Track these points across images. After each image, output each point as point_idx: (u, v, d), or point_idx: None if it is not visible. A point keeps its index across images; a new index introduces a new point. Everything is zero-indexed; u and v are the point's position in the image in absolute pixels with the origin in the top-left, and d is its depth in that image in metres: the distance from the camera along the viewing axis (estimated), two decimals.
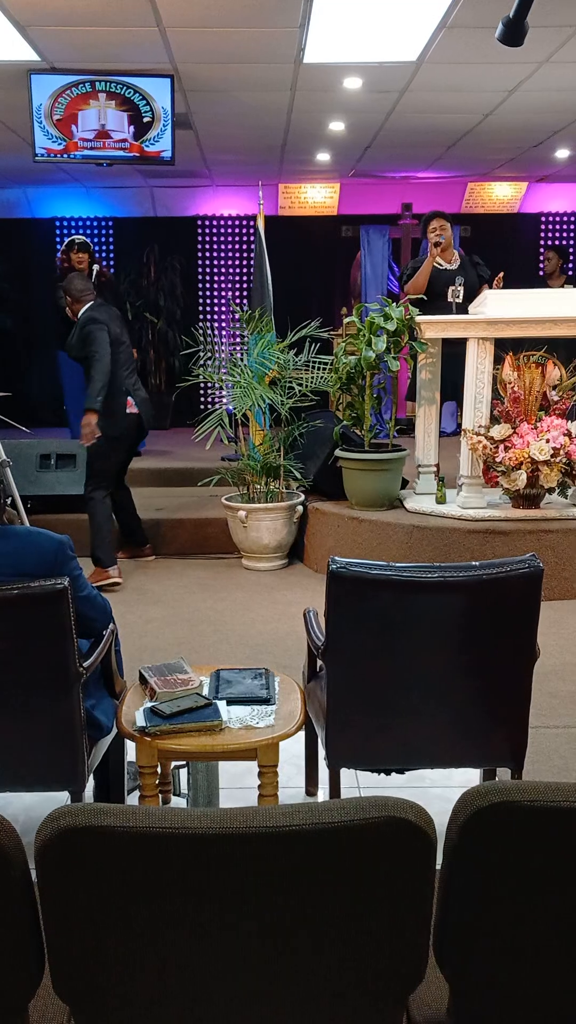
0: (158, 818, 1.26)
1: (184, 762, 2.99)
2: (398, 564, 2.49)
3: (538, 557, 2.49)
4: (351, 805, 1.28)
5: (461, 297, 5.92)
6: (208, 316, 10.46)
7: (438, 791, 3.07)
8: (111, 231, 10.32)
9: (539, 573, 2.45)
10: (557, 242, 10.43)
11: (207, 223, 10.34)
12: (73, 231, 10.18)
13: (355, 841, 1.28)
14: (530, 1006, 1.45)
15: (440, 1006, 1.54)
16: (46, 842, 1.26)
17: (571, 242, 10.54)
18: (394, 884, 1.32)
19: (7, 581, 2.34)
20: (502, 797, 1.31)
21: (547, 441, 5.00)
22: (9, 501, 5.35)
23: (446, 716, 2.56)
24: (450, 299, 5.94)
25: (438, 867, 1.37)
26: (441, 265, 6.16)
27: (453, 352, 5.49)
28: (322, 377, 5.87)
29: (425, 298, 6.09)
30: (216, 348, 6.30)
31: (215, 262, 10.44)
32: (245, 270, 10.32)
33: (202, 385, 9.92)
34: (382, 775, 2.83)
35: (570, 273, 9.76)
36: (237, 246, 10.39)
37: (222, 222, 10.33)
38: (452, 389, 5.66)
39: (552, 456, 5.00)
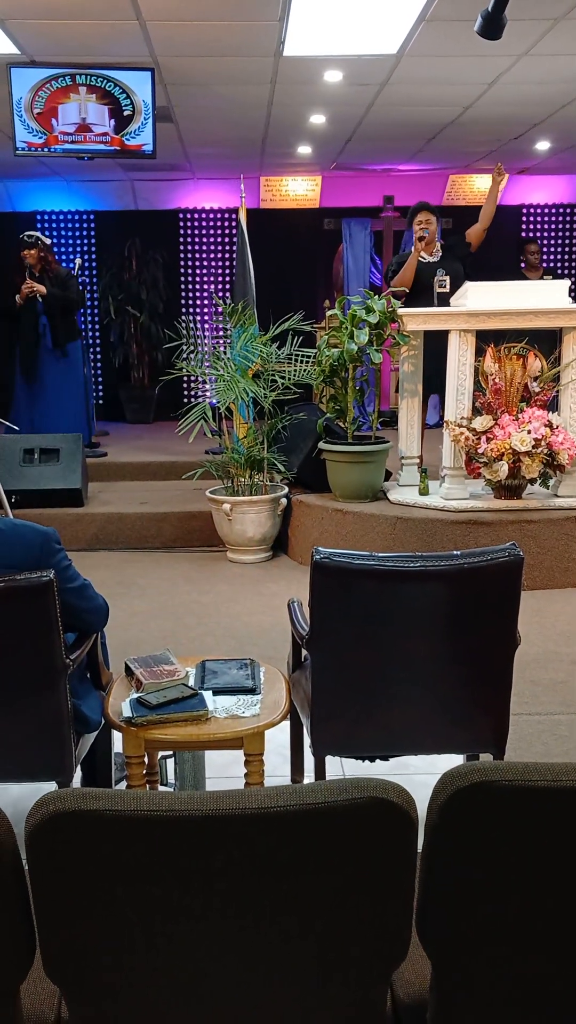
0: (145, 802, 1.29)
1: (171, 752, 3.02)
2: (381, 554, 2.52)
3: (518, 546, 2.53)
4: (334, 787, 1.31)
5: (448, 286, 5.93)
6: (191, 310, 10.45)
7: (422, 778, 3.10)
8: (92, 225, 10.30)
9: (519, 562, 2.48)
10: (537, 234, 10.48)
11: (189, 216, 10.33)
12: (54, 225, 10.16)
13: (338, 822, 1.30)
14: (512, 982, 1.49)
15: (423, 983, 1.57)
16: (36, 826, 1.28)
17: (552, 234, 10.60)
18: (377, 864, 1.35)
19: None
20: (481, 777, 1.34)
21: (528, 432, 5.04)
22: None
23: (429, 703, 2.59)
24: (437, 289, 5.95)
25: (420, 848, 1.41)
26: (424, 259, 6.19)
27: (438, 346, 5.52)
28: (305, 370, 5.89)
29: (407, 290, 6.11)
30: (199, 341, 6.31)
31: (197, 255, 10.43)
32: (227, 263, 10.32)
33: (185, 379, 9.91)
34: (367, 762, 2.87)
35: (546, 265, 9.81)
36: (219, 239, 10.39)
37: (204, 215, 10.33)
38: (438, 382, 5.70)
39: (533, 447, 5.05)
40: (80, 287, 7.91)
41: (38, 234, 7.60)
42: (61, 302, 7.40)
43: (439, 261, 6.19)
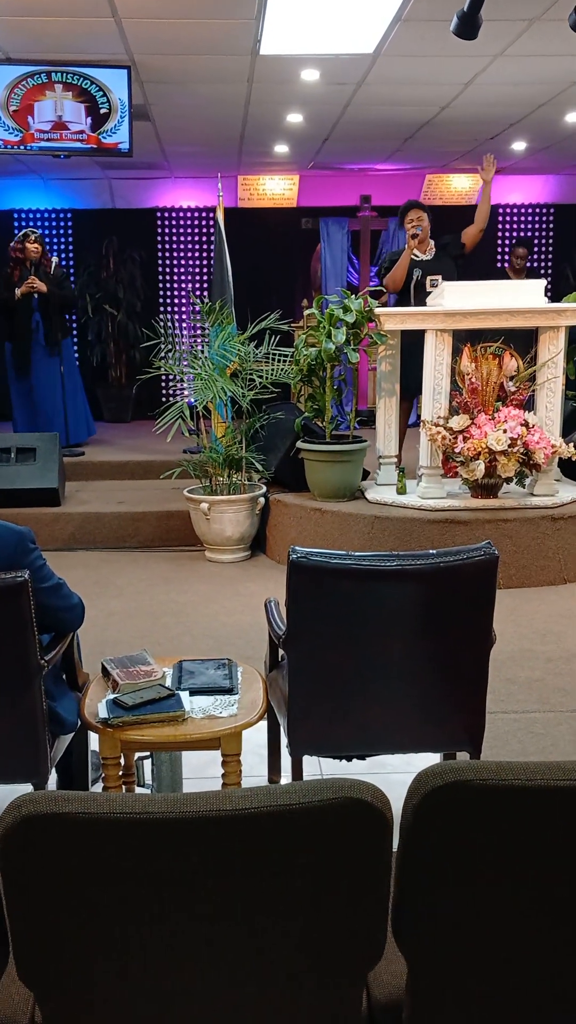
0: (119, 804, 1.28)
1: (148, 753, 3.01)
2: (357, 553, 2.53)
3: (493, 545, 2.54)
4: (308, 787, 1.31)
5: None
6: (168, 308, 10.43)
7: (399, 777, 3.11)
8: (70, 223, 10.25)
9: (494, 560, 2.49)
10: (520, 234, 10.51)
11: (166, 215, 10.30)
12: (31, 223, 10.09)
13: (313, 822, 1.30)
14: (486, 981, 1.49)
15: (399, 983, 1.57)
16: (8, 829, 1.28)
17: (528, 234, 10.64)
18: (352, 864, 1.35)
19: None
20: (456, 776, 1.35)
21: (504, 431, 5.07)
22: None
23: (406, 702, 2.60)
24: (429, 288, 5.95)
25: (396, 848, 1.41)
26: (418, 256, 6.18)
27: (423, 347, 5.49)
28: (283, 369, 5.89)
29: (386, 290, 6.11)
30: (177, 340, 6.30)
31: (175, 254, 10.40)
32: (205, 262, 10.30)
33: (163, 377, 9.87)
34: (344, 761, 2.87)
35: (529, 265, 9.85)
36: (197, 238, 10.37)
37: (181, 214, 10.30)
38: (418, 384, 5.67)
39: (510, 446, 5.07)
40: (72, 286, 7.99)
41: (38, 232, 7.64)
42: (59, 300, 7.39)
43: (432, 260, 6.18)
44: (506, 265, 9.08)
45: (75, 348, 8.76)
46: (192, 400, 5.98)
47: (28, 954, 1.39)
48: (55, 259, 7.84)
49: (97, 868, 1.32)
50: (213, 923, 1.35)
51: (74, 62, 5.75)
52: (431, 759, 3.07)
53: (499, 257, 10.46)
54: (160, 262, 10.38)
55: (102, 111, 5.98)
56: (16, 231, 10.05)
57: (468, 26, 4.17)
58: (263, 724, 2.83)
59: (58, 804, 1.28)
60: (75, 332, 9.96)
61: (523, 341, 5.55)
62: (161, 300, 10.41)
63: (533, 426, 5.18)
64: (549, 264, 10.72)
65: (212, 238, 8.85)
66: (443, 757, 2.89)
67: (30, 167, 8.72)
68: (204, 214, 10.21)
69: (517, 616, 4.70)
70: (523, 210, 10.58)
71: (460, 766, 1.37)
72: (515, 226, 10.62)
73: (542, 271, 10.53)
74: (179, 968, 1.39)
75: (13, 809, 1.29)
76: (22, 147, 6.07)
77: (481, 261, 8.96)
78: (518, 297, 5.40)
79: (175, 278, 10.44)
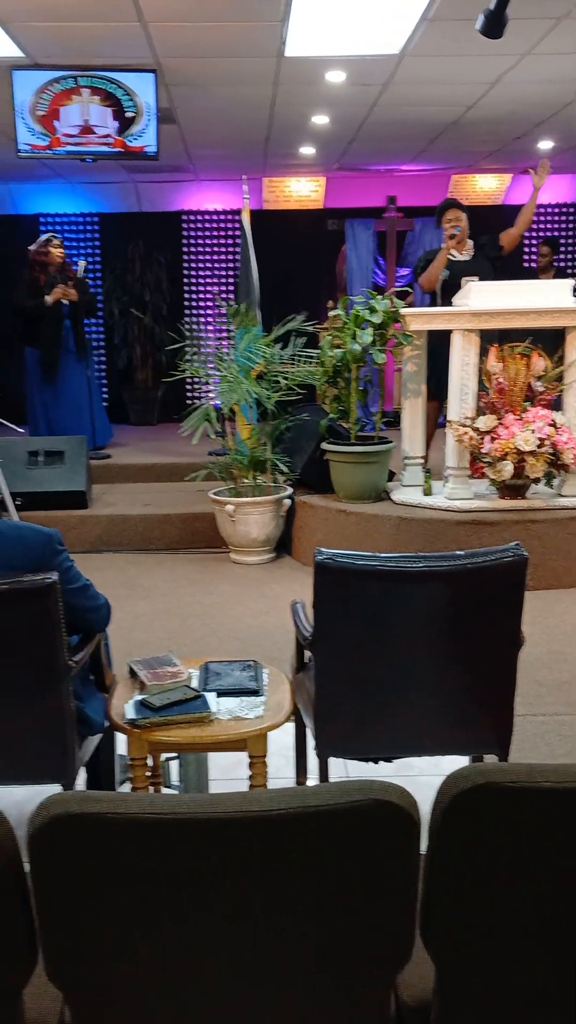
0: (148, 804, 1.28)
1: (175, 754, 3.02)
2: (384, 554, 2.51)
3: (522, 546, 2.52)
4: (336, 789, 1.30)
5: None
6: (194, 311, 10.45)
7: (426, 779, 3.10)
8: (96, 227, 10.31)
9: (523, 561, 2.47)
10: (547, 234, 10.45)
11: (192, 218, 10.33)
12: (57, 227, 10.16)
13: (341, 824, 1.30)
14: (515, 984, 1.48)
15: (427, 986, 1.56)
16: (38, 829, 1.28)
17: (555, 233, 10.58)
18: (379, 866, 1.35)
19: None
20: (485, 779, 1.34)
21: (532, 432, 5.03)
22: None
23: (433, 704, 2.58)
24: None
25: (424, 850, 1.40)
26: (455, 256, 6.15)
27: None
28: (308, 371, 5.88)
29: (432, 288, 6.05)
30: (202, 343, 6.31)
31: (200, 257, 10.43)
32: (230, 264, 10.32)
33: (188, 380, 9.92)
34: (371, 764, 2.86)
35: (558, 264, 9.79)
36: (222, 240, 10.39)
37: (207, 216, 10.33)
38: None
39: (538, 446, 5.03)
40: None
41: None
42: (86, 307, 7.45)
43: (470, 261, 6.15)
44: (534, 264, 9.02)
45: (94, 353, 8.83)
46: (218, 402, 5.99)
47: (57, 954, 1.39)
48: (83, 262, 7.89)
49: (126, 868, 1.32)
50: (241, 924, 1.35)
51: (100, 66, 5.79)
52: (458, 762, 3.06)
53: (526, 257, 10.39)
54: (186, 265, 10.41)
55: (128, 115, 6.01)
56: (43, 235, 10.15)
57: (495, 25, 4.15)
58: (289, 726, 2.82)
59: (88, 804, 1.28)
60: (100, 335, 10.05)
61: (551, 341, 5.51)
62: (186, 303, 10.44)
63: (561, 426, 5.15)
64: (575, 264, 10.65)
65: (237, 240, 8.89)
66: (470, 760, 2.87)
67: (56, 171, 8.78)
68: (229, 216, 10.24)
69: (546, 618, 4.67)
70: (549, 209, 10.51)
71: (490, 768, 1.36)
72: (542, 225, 10.55)
73: (569, 271, 10.46)
74: (206, 968, 1.39)
75: (43, 809, 1.29)
76: (49, 151, 6.11)
77: (512, 260, 8.90)
78: (545, 297, 5.36)
79: (200, 281, 10.47)
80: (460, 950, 1.46)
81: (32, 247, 7.66)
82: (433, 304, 6.05)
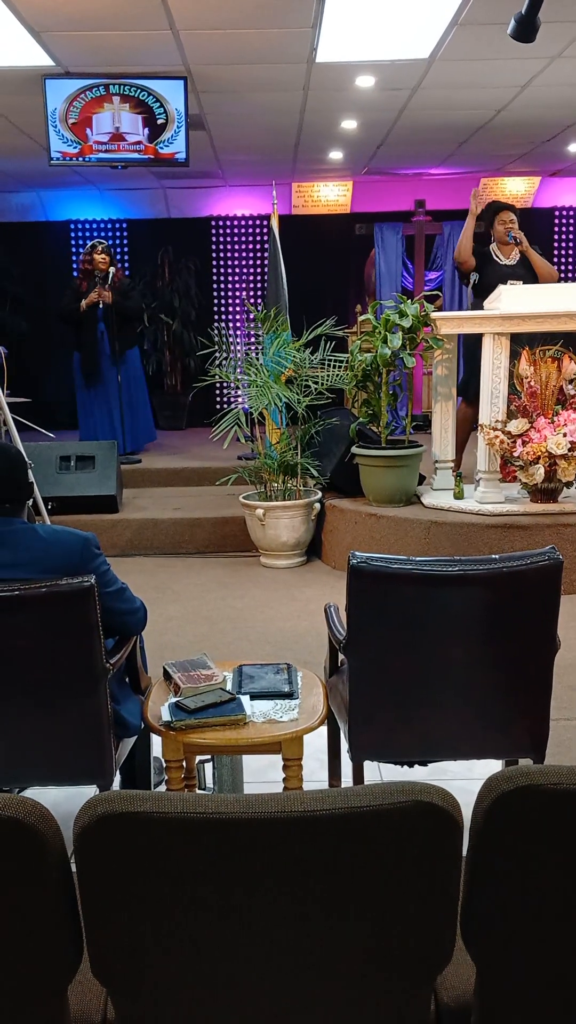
0: (192, 804, 1.30)
1: (209, 756, 3.03)
2: (418, 558, 2.51)
3: (557, 550, 2.51)
4: (379, 790, 1.31)
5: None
6: (223, 316, 10.50)
7: (460, 783, 3.09)
8: (125, 233, 10.38)
9: (559, 565, 2.47)
10: (570, 240, 10.40)
11: (221, 223, 10.38)
12: (87, 233, 10.25)
13: (383, 825, 1.31)
14: (556, 987, 1.48)
15: (467, 987, 1.57)
16: (85, 828, 1.30)
17: None
18: (421, 867, 1.35)
19: (34, 579, 2.39)
20: (527, 781, 1.34)
21: (564, 435, 5.01)
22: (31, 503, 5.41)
23: (468, 708, 2.58)
24: None
25: (464, 852, 1.41)
26: (500, 260, 6.15)
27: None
28: (338, 375, 5.90)
29: (475, 288, 6.05)
30: (232, 348, 6.34)
31: (229, 262, 10.48)
32: (259, 270, 10.36)
33: (218, 385, 9.97)
34: (405, 767, 2.86)
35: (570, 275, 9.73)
36: (251, 246, 10.43)
37: (236, 222, 10.37)
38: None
39: (569, 450, 5.01)
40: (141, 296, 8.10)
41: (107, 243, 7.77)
42: (122, 311, 7.50)
43: (517, 264, 6.15)
44: (571, 274, 8.97)
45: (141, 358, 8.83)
46: (247, 407, 6.02)
47: (101, 951, 1.41)
48: (112, 269, 7.96)
49: (169, 867, 1.33)
50: (283, 923, 1.36)
51: (131, 74, 5.84)
52: (492, 766, 3.05)
53: (555, 260, 10.35)
54: (215, 270, 10.46)
55: (159, 121, 6.06)
56: (73, 242, 10.24)
57: (526, 29, 4.14)
58: (323, 729, 2.83)
59: (132, 804, 1.30)
60: (144, 343, 10.09)
61: None
62: (216, 308, 10.49)
63: None
64: None
65: (266, 246, 8.91)
66: (505, 764, 2.87)
67: (86, 178, 8.86)
68: (258, 222, 10.27)
69: None
70: None
71: (530, 770, 1.36)
72: (572, 229, 10.50)
73: None
74: (247, 967, 1.40)
75: (89, 808, 1.31)
76: (81, 159, 6.17)
77: None
78: None
79: (230, 286, 10.52)
80: (501, 952, 1.46)
81: (81, 255, 7.81)
82: (479, 295, 6.01)
